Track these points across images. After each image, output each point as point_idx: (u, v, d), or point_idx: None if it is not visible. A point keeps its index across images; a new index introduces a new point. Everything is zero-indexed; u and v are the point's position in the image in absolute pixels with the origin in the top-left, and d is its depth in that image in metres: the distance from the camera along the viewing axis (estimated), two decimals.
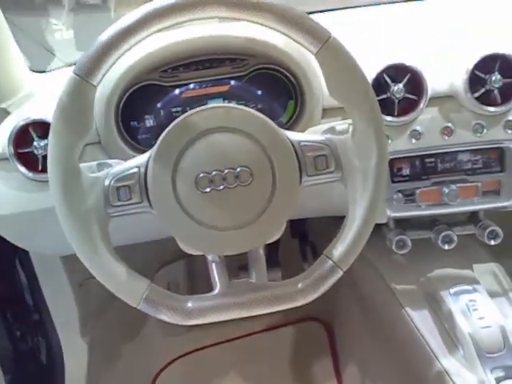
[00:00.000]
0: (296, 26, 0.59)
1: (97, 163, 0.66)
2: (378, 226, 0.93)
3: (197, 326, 1.23)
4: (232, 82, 0.83)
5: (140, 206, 0.61)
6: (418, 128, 0.82)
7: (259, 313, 0.61)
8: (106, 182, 0.60)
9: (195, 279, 1.41)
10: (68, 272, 1.12)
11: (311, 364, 1.30)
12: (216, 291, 0.62)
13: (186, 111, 0.78)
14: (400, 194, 0.86)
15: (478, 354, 0.79)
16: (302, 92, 0.82)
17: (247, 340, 1.37)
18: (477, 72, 0.80)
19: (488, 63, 0.80)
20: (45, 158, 0.63)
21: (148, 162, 0.60)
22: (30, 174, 0.78)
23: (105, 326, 1.24)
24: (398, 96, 0.80)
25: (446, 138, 0.82)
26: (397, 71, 0.80)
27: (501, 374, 0.78)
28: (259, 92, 0.84)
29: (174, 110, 0.83)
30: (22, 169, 0.77)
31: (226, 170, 0.59)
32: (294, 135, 0.63)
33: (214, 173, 0.59)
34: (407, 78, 0.80)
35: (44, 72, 0.95)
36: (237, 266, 0.70)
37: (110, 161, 0.67)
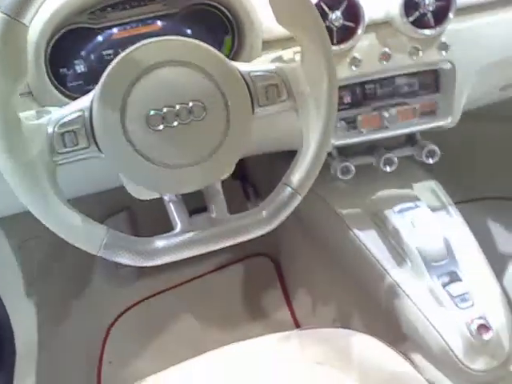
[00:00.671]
0: None
1: (35, 111, 0.63)
2: None
3: (145, 274, 1.23)
4: (164, 21, 0.80)
5: (88, 151, 0.58)
6: (356, 55, 0.84)
7: (224, 245, 0.62)
8: (50, 129, 0.56)
9: (140, 230, 1.39)
10: (5, 235, 1.07)
11: (262, 298, 1.35)
12: (177, 229, 0.62)
13: (119, 53, 0.74)
14: (343, 122, 0.89)
15: (425, 264, 0.85)
16: (239, 26, 0.80)
17: (197, 282, 1.38)
18: None
19: None
20: None
21: (92, 103, 0.57)
22: None
23: (50, 285, 1.21)
24: (336, 24, 0.81)
25: (385, 63, 0.85)
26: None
27: (446, 279, 0.85)
28: (193, 29, 0.81)
29: (105, 53, 0.79)
30: None
31: (178, 106, 0.57)
32: (243, 66, 0.62)
33: (165, 109, 0.57)
34: (344, 5, 0.81)
35: None
36: (192, 207, 0.69)
37: (49, 108, 0.63)
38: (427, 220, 0.90)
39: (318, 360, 0.79)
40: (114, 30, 0.78)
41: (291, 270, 1.35)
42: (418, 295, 0.84)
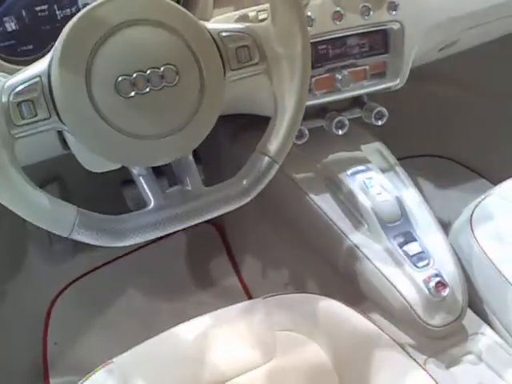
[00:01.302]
0: None
1: None
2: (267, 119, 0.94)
3: (83, 248, 1.16)
4: None
5: (49, 122, 0.51)
6: (310, 14, 0.81)
7: (203, 220, 0.59)
8: (4, 99, 0.49)
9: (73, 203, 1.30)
10: None
11: (209, 266, 1.32)
12: (151, 205, 0.57)
13: (54, 10, 0.66)
14: None
15: (381, 225, 0.86)
16: None
17: (139, 253, 1.32)
18: None
19: None
20: None
21: (50, 68, 0.50)
22: None
23: None
24: None
25: (337, 22, 0.83)
26: None
27: (401, 239, 0.86)
28: None
29: (38, 9, 0.71)
30: None
31: (149, 71, 0.51)
32: (212, 25, 0.57)
33: (135, 74, 0.51)
34: None
35: None
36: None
37: None
38: (379, 182, 0.91)
39: (285, 327, 0.78)
40: None
41: (238, 237, 1.33)
42: (376, 256, 0.85)
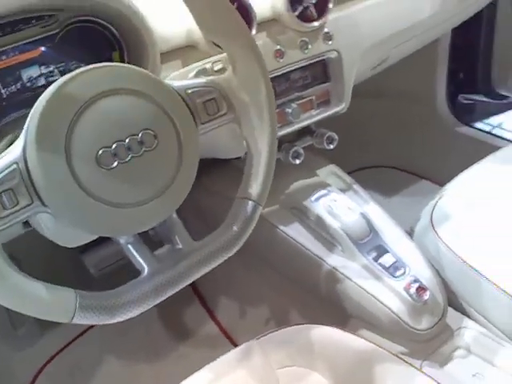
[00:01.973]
0: None
1: None
2: (227, 161, 0.96)
3: (50, 327, 1.09)
4: (44, 44, 0.72)
5: (31, 208, 0.50)
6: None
7: (200, 276, 0.59)
8: None
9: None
10: None
11: (183, 317, 1.29)
12: (146, 272, 0.57)
13: None
14: None
15: (354, 244, 0.90)
16: (128, 40, 0.75)
17: None
18: None
19: None
20: None
21: (25, 152, 0.49)
22: None
23: None
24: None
25: (280, 60, 0.86)
26: None
27: (375, 253, 0.90)
28: (77, 49, 0.75)
29: None
30: None
31: (128, 139, 0.52)
32: (177, 83, 0.59)
33: (114, 145, 0.51)
34: (235, 6, 0.80)
35: None
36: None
37: None
38: (342, 202, 0.95)
39: (285, 364, 0.79)
40: None
41: (207, 282, 1.31)
42: (356, 274, 0.88)
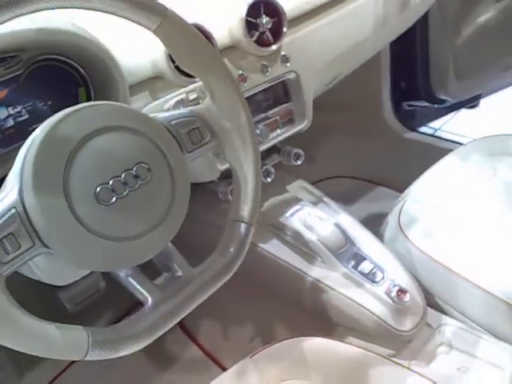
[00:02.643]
0: (131, 5, 0.55)
1: None
2: (201, 185, 0.97)
3: (24, 371, 1.07)
4: (8, 85, 0.72)
5: (33, 250, 0.50)
6: None
7: (202, 300, 0.60)
8: None
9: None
10: None
11: (165, 346, 1.28)
12: (150, 302, 0.57)
13: None
14: None
15: (333, 254, 0.92)
16: (94, 76, 0.76)
17: None
18: (249, 18, 0.87)
19: (255, 8, 0.87)
20: None
21: (22, 196, 0.49)
22: None
23: None
24: None
25: (244, 84, 0.89)
26: None
27: (353, 262, 0.93)
28: (43, 87, 0.75)
29: None
30: None
31: (124, 174, 0.53)
32: (160, 115, 0.60)
33: (111, 181, 0.52)
34: None
35: None
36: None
37: None
38: (316, 215, 0.97)
39: (280, 378, 0.80)
40: None
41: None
42: (338, 284, 0.91)
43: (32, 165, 0.50)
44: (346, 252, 0.94)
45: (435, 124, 2.01)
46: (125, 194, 0.53)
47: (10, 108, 0.72)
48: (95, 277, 1.04)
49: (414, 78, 1.67)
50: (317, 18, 0.98)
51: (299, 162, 1.01)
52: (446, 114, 1.99)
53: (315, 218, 0.96)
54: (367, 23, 1.06)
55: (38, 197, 0.49)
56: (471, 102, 1.91)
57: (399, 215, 1.05)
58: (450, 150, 1.23)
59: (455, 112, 2.05)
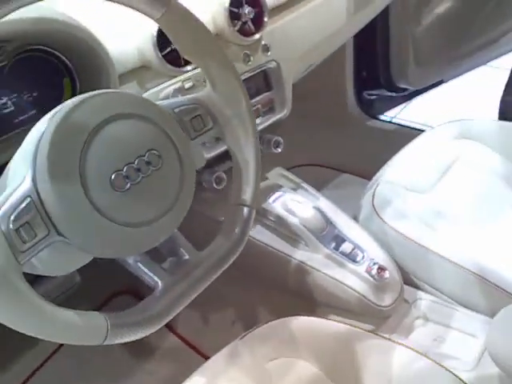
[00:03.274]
0: None
1: None
2: None
3: None
4: None
5: (47, 239, 0.50)
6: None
7: (211, 281, 0.62)
8: (3, 227, 0.48)
9: None
10: None
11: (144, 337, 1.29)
12: (160, 286, 0.59)
13: None
14: None
15: (316, 237, 0.96)
16: (82, 65, 0.76)
17: (65, 349, 1.25)
18: (231, 8, 0.89)
19: None
20: None
21: (36, 185, 0.50)
22: None
23: None
24: None
25: None
26: None
27: (334, 243, 0.98)
28: (28, 79, 0.75)
29: None
30: None
31: (137, 160, 0.54)
32: (164, 103, 0.62)
33: (125, 168, 0.53)
34: None
35: None
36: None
37: None
38: (297, 200, 1.01)
39: (272, 357, 0.83)
40: None
41: None
42: (322, 265, 0.95)
43: (47, 152, 0.50)
44: (327, 234, 0.98)
45: (391, 113, 2.08)
46: (138, 180, 0.54)
47: None
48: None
49: (375, 67, 1.74)
50: (294, 8, 1.01)
51: (279, 150, 1.04)
52: (404, 101, 2.07)
53: (296, 203, 1.00)
54: (341, 13, 1.10)
55: (54, 184, 0.50)
56: (428, 90, 2.00)
57: (373, 198, 1.10)
58: (410, 136, 1.30)
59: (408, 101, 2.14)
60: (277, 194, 1.02)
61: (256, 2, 0.92)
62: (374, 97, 1.83)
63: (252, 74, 0.96)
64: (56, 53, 0.75)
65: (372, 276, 0.93)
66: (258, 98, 0.98)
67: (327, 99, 1.65)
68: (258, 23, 0.93)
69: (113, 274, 1.00)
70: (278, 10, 0.98)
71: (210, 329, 1.20)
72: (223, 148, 0.94)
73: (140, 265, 0.60)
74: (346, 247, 0.97)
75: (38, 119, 0.70)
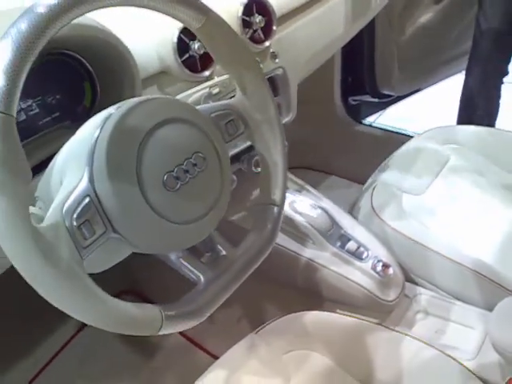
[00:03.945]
0: (179, 2, 0.59)
1: None
2: None
3: None
4: None
5: (105, 236, 0.53)
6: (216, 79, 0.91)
7: (248, 275, 0.66)
8: (67, 224, 0.50)
9: None
10: None
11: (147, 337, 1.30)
12: (202, 281, 0.62)
13: None
14: None
15: (323, 236, 1.01)
16: (102, 69, 0.78)
17: (76, 343, 1.26)
18: (244, 17, 0.93)
19: (248, 7, 0.93)
20: None
21: (93, 185, 0.52)
22: None
23: None
24: (198, 52, 0.86)
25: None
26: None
27: (340, 242, 1.02)
28: (51, 82, 0.77)
29: None
30: None
31: (185, 162, 0.57)
32: (201, 108, 0.65)
33: (175, 169, 0.56)
34: None
35: None
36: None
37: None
38: (304, 201, 1.05)
39: (286, 349, 0.87)
40: None
41: (162, 291, 1.33)
42: (329, 262, 0.99)
43: (105, 153, 0.53)
44: (333, 234, 1.02)
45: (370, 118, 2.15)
46: (186, 180, 0.57)
47: (21, 102, 0.73)
48: None
49: (361, 74, 1.80)
50: (299, 17, 1.06)
51: (259, 169, 1.07)
52: (386, 107, 2.15)
53: (303, 204, 1.04)
54: (341, 21, 1.15)
55: (113, 184, 0.52)
56: (407, 97, 2.08)
57: (371, 199, 1.15)
58: (395, 141, 1.36)
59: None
60: None
61: (266, 11, 0.96)
62: (357, 102, 1.90)
63: None
64: (78, 57, 0.77)
65: (377, 272, 0.98)
66: None
67: (317, 104, 1.70)
68: (267, 31, 0.97)
69: (117, 274, 1.02)
70: (284, 18, 1.03)
71: (215, 327, 1.23)
72: (237, 149, 0.98)
73: (182, 261, 0.63)
74: (351, 246, 1.01)
75: (60, 121, 0.72)
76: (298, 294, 1.06)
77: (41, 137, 0.75)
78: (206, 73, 0.86)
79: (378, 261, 0.99)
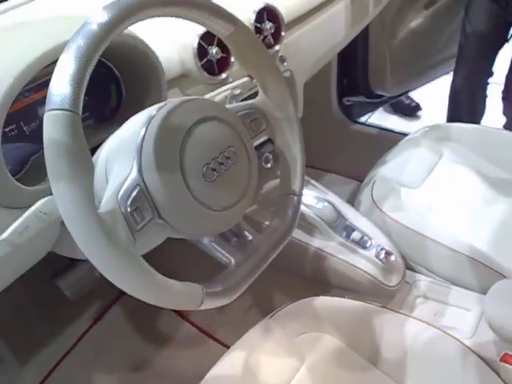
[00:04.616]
0: (212, 13, 0.66)
1: None
2: None
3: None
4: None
5: (152, 222, 0.59)
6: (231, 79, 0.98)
7: (273, 257, 0.73)
8: (123, 210, 0.57)
9: None
10: None
11: (157, 325, 1.36)
12: (233, 263, 0.69)
13: (21, 127, 0.72)
14: None
15: (329, 227, 1.08)
16: (129, 73, 0.84)
17: (82, 345, 1.32)
18: (256, 24, 1.00)
19: (259, 15, 1.00)
20: None
21: (142, 175, 0.59)
22: None
23: None
24: (216, 57, 0.93)
25: (253, 81, 1.01)
26: (208, 35, 0.92)
27: (345, 232, 1.10)
28: None
29: (7, 130, 0.75)
30: None
31: (220, 155, 0.64)
32: (229, 107, 0.72)
33: (212, 162, 0.63)
34: (216, 40, 0.93)
35: None
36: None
37: None
38: (310, 194, 1.13)
39: (300, 331, 0.94)
40: None
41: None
42: (336, 251, 1.07)
43: (153, 147, 0.59)
44: (339, 224, 1.10)
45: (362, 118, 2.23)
46: (222, 172, 0.64)
47: None
48: (90, 265, 1.12)
49: (356, 76, 1.89)
50: (305, 23, 1.13)
51: (269, 165, 1.14)
52: (378, 107, 2.24)
53: (310, 198, 1.11)
54: (343, 25, 1.23)
55: (160, 175, 0.59)
56: (397, 98, 2.17)
57: (372, 193, 1.23)
58: (390, 139, 1.44)
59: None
60: None
61: (275, 19, 1.03)
62: (351, 102, 1.98)
63: None
64: (108, 63, 0.83)
65: (380, 260, 1.05)
66: None
67: (314, 104, 1.78)
68: (277, 37, 1.04)
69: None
70: (291, 24, 1.10)
71: (225, 317, 1.29)
72: None
73: (214, 244, 0.70)
74: (356, 236, 1.09)
75: (85, 120, 0.77)
76: (307, 282, 1.13)
77: None
78: (223, 75, 0.93)
79: (381, 249, 1.07)
